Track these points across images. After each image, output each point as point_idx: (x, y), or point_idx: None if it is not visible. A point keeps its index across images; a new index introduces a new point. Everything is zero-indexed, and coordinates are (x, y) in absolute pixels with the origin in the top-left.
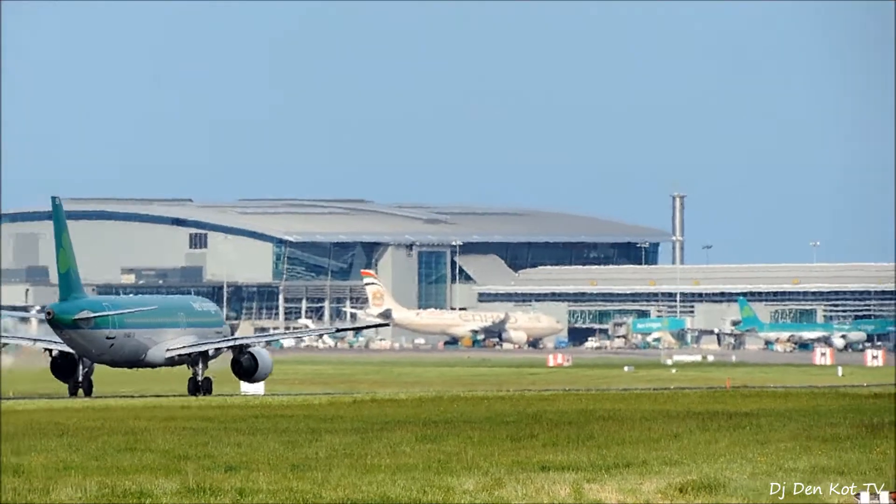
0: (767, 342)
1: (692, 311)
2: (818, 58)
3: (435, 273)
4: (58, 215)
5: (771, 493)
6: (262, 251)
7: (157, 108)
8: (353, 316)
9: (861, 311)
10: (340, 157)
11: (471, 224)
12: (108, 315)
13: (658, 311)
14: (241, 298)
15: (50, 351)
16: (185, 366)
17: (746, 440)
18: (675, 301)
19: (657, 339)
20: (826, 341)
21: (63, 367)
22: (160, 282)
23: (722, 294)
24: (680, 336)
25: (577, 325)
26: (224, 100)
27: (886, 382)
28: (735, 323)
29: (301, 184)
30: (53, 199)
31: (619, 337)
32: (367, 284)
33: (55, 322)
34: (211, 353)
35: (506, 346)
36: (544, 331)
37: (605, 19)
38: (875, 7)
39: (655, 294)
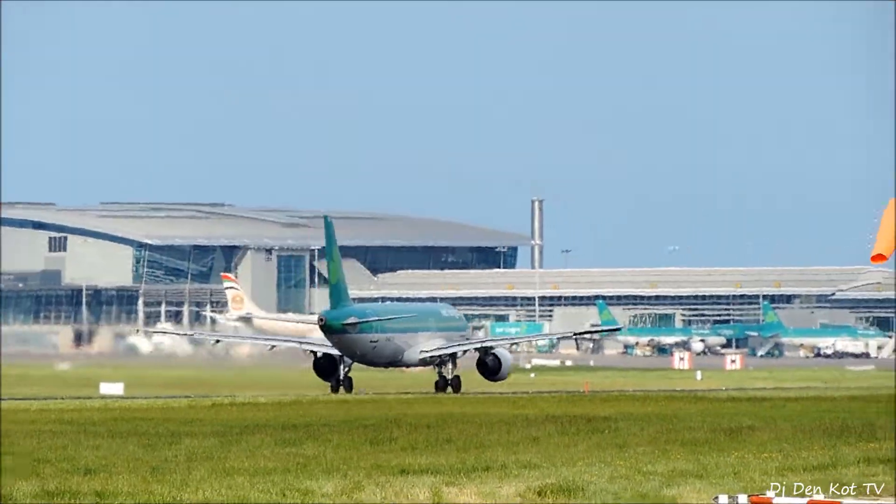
0: (626, 346)
1: (551, 316)
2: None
3: (294, 277)
4: (329, 232)
5: (629, 496)
6: (122, 254)
7: (18, 112)
8: (213, 320)
9: (720, 315)
10: (200, 160)
11: None
12: (371, 321)
13: (517, 315)
14: (101, 302)
15: (314, 353)
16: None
17: (605, 444)
18: (534, 305)
19: (515, 344)
20: (685, 346)
21: (325, 367)
22: (20, 286)
23: (581, 298)
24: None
25: None
26: (86, 102)
27: (744, 387)
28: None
29: (161, 187)
30: (326, 217)
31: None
32: (226, 288)
33: (326, 327)
34: (459, 354)
35: None
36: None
37: (456, 17)
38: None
39: (514, 298)
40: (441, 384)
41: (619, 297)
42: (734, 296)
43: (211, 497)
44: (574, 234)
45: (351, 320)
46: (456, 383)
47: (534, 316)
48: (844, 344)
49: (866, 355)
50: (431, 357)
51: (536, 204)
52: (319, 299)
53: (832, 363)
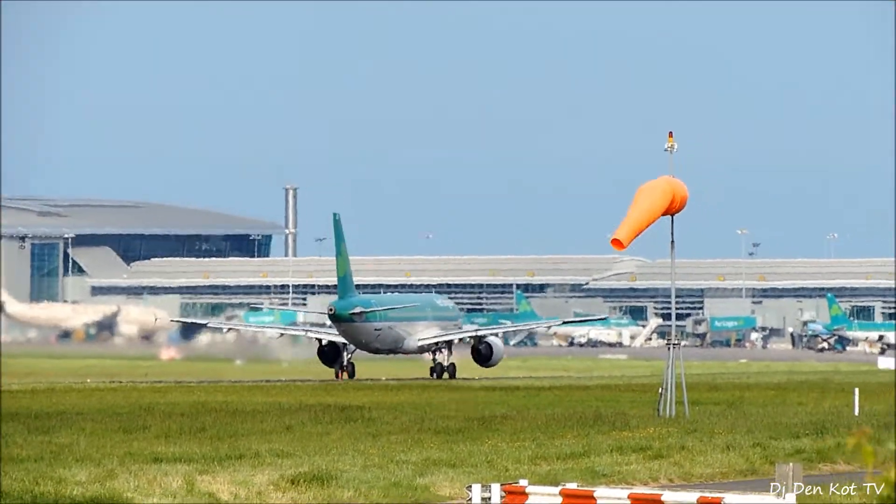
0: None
1: (305, 304)
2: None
3: (47, 266)
4: (338, 229)
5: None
6: None
7: None
8: None
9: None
10: None
11: (84, 216)
12: (375, 311)
13: (271, 303)
14: None
15: (320, 340)
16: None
17: (358, 433)
18: (288, 294)
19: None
20: None
21: (329, 353)
22: None
23: (335, 286)
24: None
25: (190, 319)
26: None
27: (497, 375)
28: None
29: None
30: (335, 214)
31: (231, 330)
32: None
33: (335, 317)
34: (455, 342)
35: (118, 339)
36: (157, 324)
37: (207, 16)
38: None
39: (268, 286)
40: (437, 371)
41: (373, 286)
42: (488, 284)
43: None
44: (329, 223)
45: (357, 310)
46: (452, 370)
47: (287, 304)
48: (598, 333)
49: (620, 344)
50: (429, 344)
51: (290, 192)
52: (73, 288)
53: (586, 352)
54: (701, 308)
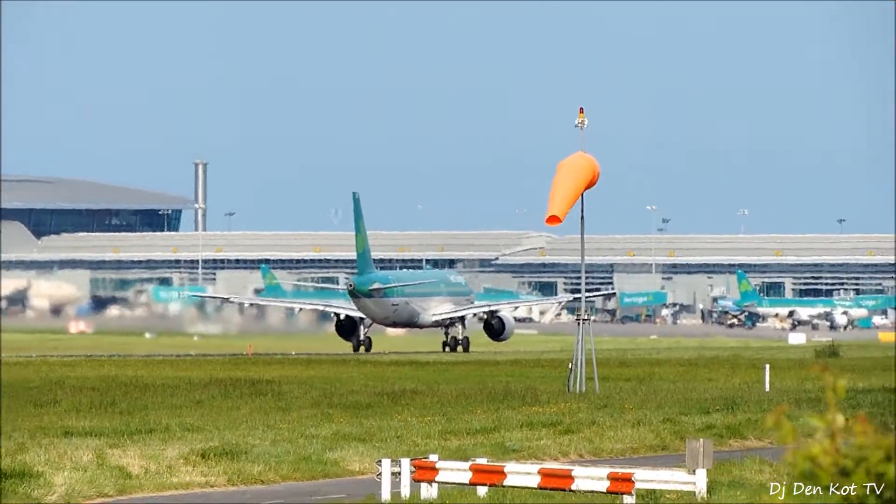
0: (291, 310)
1: (214, 279)
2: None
3: None
4: (357, 208)
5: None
6: None
7: None
8: None
9: None
10: None
11: None
12: (393, 287)
13: (181, 278)
14: None
15: (338, 315)
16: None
17: (268, 407)
18: (198, 268)
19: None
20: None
21: (346, 327)
22: None
23: (245, 261)
24: (201, 305)
25: (99, 293)
26: None
27: (407, 350)
28: (258, 291)
29: None
30: (354, 194)
31: (141, 304)
32: None
33: (354, 292)
34: (468, 317)
35: (28, 313)
36: (67, 298)
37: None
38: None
39: (178, 261)
40: (451, 344)
41: (282, 261)
42: (398, 259)
43: None
44: (239, 197)
45: (376, 286)
46: (466, 344)
47: (197, 279)
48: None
49: (529, 320)
50: (443, 319)
51: (200, 167)
52: None
53: None
54: (611, 283)
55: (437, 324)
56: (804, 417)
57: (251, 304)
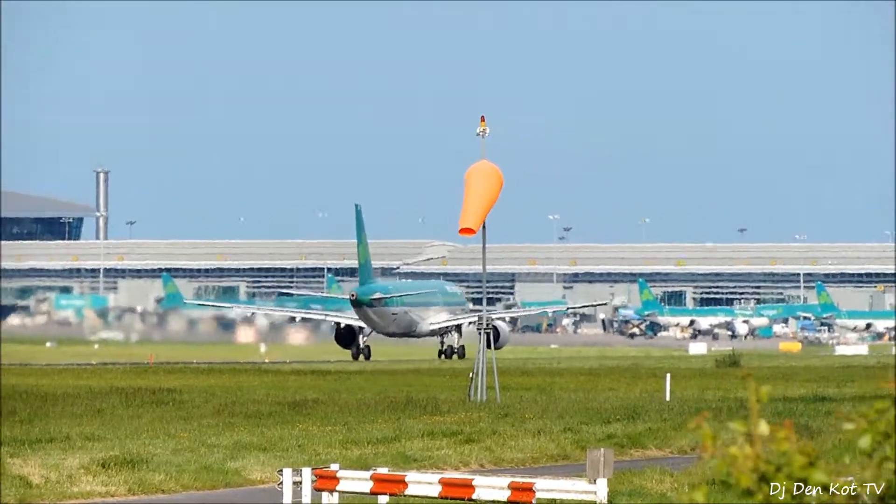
0: (192, 321)
1: (115, 288)
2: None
3: None
4: (359, 220)
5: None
6: None
7: None
8: None
9: (284, 288)
10: None
11: None
12: (393, 297)
13: (81, 287)
14: None
15: (338, 323)
16: None
17: (169, 416)
18: (99, 277)
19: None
20: (249, 319)
21: (345, 336)
22: None
23: (146, 270)
24: (103, 314)
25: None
26: None
27: (307, 359)
28: (159, 300)
29: None
30: (357, 206)
31: (41, 313)
32: None
33: (356, 302)
34: (465, 326)
35: None
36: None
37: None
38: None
39: (79, 270)
40: (447, 352)
41: (184, 270)
42: (298, 268)
43: None
44: (140, 206)
45: (376, 295)
46: (461, 352)
47: (98, 288)
48: None
49: None
50: (440, 328)
51: (101, 175)
52: None
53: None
54: (512, 293)
55: (434, 332)
56: (722, 423)
57: (254, 313)
